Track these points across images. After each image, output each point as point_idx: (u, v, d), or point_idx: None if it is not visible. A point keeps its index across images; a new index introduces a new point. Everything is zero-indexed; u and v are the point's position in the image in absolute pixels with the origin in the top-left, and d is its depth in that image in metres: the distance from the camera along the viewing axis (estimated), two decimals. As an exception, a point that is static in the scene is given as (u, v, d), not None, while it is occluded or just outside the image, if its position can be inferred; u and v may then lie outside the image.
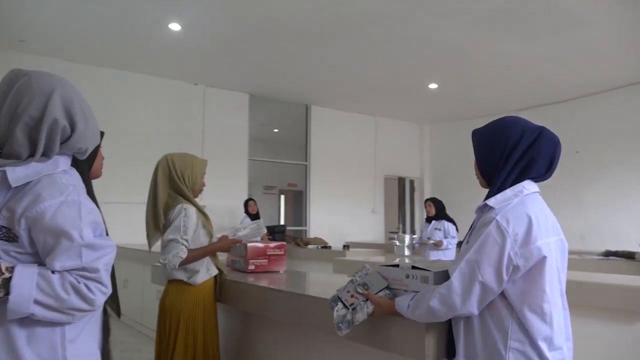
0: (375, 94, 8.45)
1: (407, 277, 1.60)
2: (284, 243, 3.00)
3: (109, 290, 1.26)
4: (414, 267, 1.59)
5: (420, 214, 10.73)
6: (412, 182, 10.81)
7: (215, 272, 2.60)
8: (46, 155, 1.27)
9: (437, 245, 5.84)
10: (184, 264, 2.40)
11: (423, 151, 10.79)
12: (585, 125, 8.21)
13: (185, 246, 2.39)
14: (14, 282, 1.14)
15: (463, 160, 9.81)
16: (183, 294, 2.49)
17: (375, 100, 8.92)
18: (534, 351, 1.36)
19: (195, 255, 2.44)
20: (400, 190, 10.69)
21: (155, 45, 6.25)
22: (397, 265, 1.65)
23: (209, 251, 2.51)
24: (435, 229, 5.99)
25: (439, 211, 6.12)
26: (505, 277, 1.36)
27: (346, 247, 6.71)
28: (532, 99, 8.44)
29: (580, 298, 2.57)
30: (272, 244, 2.92)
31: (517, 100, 8.51)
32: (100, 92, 6.63)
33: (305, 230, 9.01)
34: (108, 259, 1.26)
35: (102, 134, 2.46)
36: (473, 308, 1.38)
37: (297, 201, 9.98)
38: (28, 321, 1.19)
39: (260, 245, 2.89)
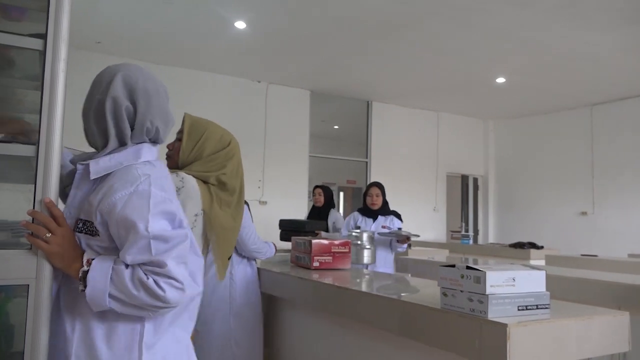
0: (438, 89, 8.22)
1: (462, 277, 1.59)
2: (349, 240, 2.95)
3: (183, 285, 1.15)
4: (468, 268, 1.58)
5: (484, 213, 10.36)
6: (475, 180, 10.45)
7: None
8: (122, 141, 1.25)
9: (402, 242, 4.16)
10: None
11: (487, 148, 10.39)
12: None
13: None
14: (89, 276, 1.12)
15: (530, 157, 9.47)
16: None
17: (438, 96, 8.68)
18: None
19: None
20: (464, 189, 10.37)
21: (221, 43, 6.37)
22: (454, 266, 1.64)
23: None
24: (383, 227, 4.25)
25: (384, 204, 4.39)
26: None
27: (409, 245, 6.53)
28: (610, 92, 7.88)
29: None
30: (337, 241, 2.88)
31: (594, 93, 7.98)
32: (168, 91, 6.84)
33: (365, 228, 8.92)
34: (178, 250, 1.15)
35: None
36: None
37: (357, 198, 9.90)
38: (109, 319, 1.17)
39: (325, 242, 2.86)
